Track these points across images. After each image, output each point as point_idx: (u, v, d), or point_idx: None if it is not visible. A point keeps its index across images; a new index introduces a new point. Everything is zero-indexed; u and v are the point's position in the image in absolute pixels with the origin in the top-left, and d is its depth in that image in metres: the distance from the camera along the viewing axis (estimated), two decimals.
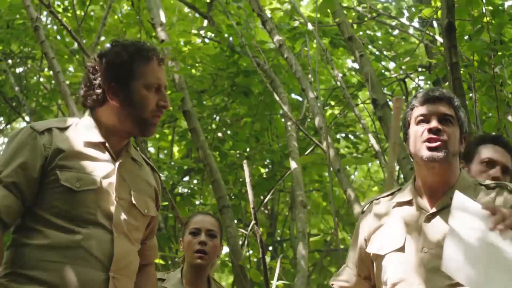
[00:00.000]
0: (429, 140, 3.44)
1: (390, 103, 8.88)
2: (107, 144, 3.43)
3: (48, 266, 3.19)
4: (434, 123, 3.47)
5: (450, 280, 3.30)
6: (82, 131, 3.41)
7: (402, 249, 3.49)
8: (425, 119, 3.51)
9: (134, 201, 3.42)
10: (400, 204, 3.56)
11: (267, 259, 10.17)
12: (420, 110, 3.55)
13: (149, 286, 3.69)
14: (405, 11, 10.34)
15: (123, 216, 3.36)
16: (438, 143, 3.42)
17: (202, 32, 11.41)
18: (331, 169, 6.91)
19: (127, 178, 3.45)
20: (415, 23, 10.50)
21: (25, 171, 3.26)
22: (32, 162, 3.28)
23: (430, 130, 3.46)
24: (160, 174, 3.74)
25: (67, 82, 9.66)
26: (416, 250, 3.46)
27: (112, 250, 3.27)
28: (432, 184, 3.49)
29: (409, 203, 3.54)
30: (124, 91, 3.40)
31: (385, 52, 10.81)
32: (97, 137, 3.41)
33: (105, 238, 3.27)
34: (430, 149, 3.42)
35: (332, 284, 3.74)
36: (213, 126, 10.00)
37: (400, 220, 3.49)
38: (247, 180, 6.41)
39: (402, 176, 7.11)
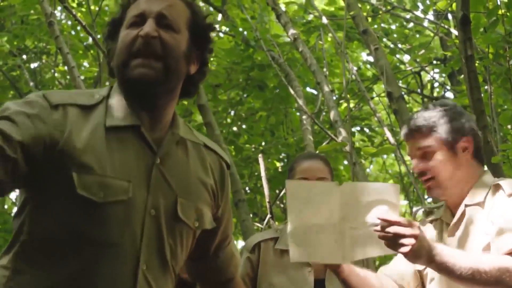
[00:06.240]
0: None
1: (406, 96, 8.83)
2: (142, 129, 2.41)
3: None
4: (415, 164, 3.42)
5: None
6: (111, 109, 2.41)
7: None
8: (411, 156, 3.49)
9: (179, 213, 2.45)
10: (431, 221, 3.53)
11: None
12: (407, 146, 3.53)
13: None
14: (419, 4, 10.32)
15: (162, 236, 2.41)
16: (427, 184, 3.39)
17: (216, 26, 11.41)
18: (346, 162, 6.89)
19: (171, 178, 2.44)
20: (430, 16, 10.50)
21: (33, 119, 2.26)
22: (43, 121, 2.28)
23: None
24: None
25: (82, 77, 9.68)
26: None
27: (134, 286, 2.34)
28: (449, 203, 3.44)
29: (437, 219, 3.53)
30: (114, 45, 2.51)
31: (400, 45, 10.78)
32: (127, 118, 2.40)
33: (126, 271, 2.33)
34: (427, 189, 3.42)
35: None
36: (228, 120, 9.99)
37: (431, 235, 3.43)
38: (263, 174, 6.41)
39: None
